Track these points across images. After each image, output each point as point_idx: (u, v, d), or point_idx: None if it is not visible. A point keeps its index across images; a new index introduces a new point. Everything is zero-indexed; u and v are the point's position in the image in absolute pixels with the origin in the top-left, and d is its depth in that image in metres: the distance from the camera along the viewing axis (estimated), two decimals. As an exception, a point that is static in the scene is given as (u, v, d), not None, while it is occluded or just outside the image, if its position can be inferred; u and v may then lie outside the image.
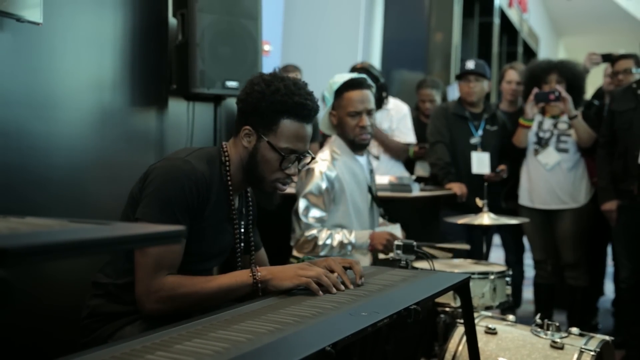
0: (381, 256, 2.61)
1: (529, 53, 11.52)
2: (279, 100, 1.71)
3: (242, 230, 1.89)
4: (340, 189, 2.62)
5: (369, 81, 2.68)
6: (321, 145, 4.00)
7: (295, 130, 1.74)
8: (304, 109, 1.73)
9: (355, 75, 2.68)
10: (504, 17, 9.34)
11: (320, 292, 1.55)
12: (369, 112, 2.63)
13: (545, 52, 12.38)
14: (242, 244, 1.89)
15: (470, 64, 3.93)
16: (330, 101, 2.66)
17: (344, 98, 2.62)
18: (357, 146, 2.68)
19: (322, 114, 2.69)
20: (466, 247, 2.72)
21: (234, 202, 1.82)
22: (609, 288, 4.79)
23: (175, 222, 1.61)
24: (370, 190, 2.78)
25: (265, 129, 1.73)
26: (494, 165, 3.88)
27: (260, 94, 1.72)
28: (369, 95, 2.64)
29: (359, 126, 2.61)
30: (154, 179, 1.66)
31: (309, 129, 1.78)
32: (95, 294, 1.73)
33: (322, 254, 2.55)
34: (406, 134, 4.07)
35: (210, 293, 1.61)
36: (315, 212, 2.59)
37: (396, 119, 4.05)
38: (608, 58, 3.97)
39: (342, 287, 1.59)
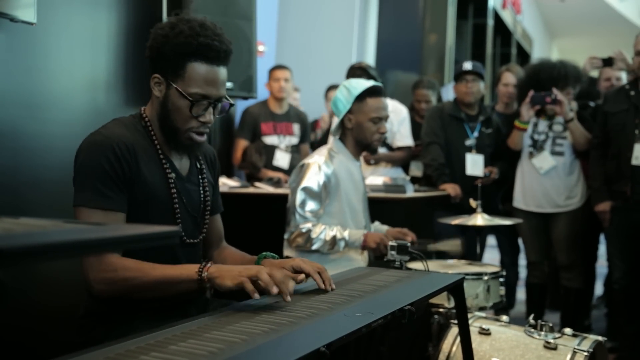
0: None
1: (523, 55, 11.57)
2: (182, 42, 1.60)
3: (201, 190, 1.79)
4: (335, 185, 2.64)
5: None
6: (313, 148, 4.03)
7: (204, 74, 1.62)
8: (211, 49, 1.62)
9: (372, 82, 2.73)
10: (497, 19, 9.38)
11: (256, 295, 1.43)
12: (386, 120, 2.72)
13: (539, 53, 12.42)
14: (204, 205, 1.80)
15: (468, 65, 3.96)
16: (345, 104, 2.66)
17: (367, 103, 2.65)
18: (371, 150, 2.74)
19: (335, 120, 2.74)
20: (457, 243, 2.74)
21: (168, 163, 1.70)
22: (599, 289, 4.81)
23: (106, 199, 1.55)
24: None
25: (173, 75, 1.63)
26: (487, 168, 3.91)
27: (164, 37, 1.62)
28: (387, 103, 2.74)
29: (380, 132, 2.67)
30: (75, 164, 1.61)
31: (220, 72, 1.65)
32: (91, 294, 1.72)
33: (314, 247, 2.56)
34: (406, 137, 4.13)
35: (152, 281, 1.52)
36: (311, 206, 2.59)
37: (396, 121, 4.08)
38: (608, 62, 3.97)
39: (290, 285, 1.46)
